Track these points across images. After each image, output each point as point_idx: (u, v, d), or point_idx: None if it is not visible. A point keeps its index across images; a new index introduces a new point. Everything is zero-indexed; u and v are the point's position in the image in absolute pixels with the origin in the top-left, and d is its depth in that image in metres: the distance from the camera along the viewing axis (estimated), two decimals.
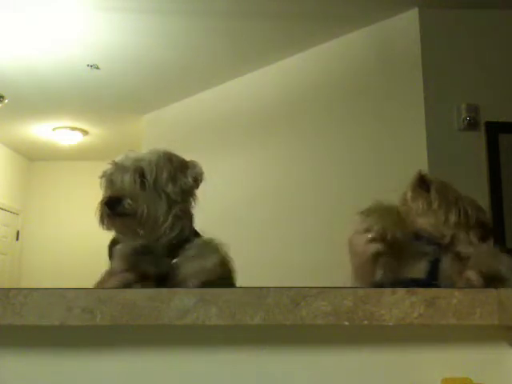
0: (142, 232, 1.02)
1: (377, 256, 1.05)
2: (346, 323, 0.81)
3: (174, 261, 1.02)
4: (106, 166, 1.14)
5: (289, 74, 3.66)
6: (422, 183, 1.18)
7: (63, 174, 6.02)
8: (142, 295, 0.81)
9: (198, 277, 0.97)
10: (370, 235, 1.06)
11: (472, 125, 2.84)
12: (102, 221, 1.05)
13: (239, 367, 0.85)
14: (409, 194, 1.18)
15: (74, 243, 5.73)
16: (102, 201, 1.03)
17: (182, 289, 0.83)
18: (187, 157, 1.17)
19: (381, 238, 1.04)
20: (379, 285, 1.03)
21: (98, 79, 3.95)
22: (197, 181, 1.10)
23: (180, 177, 1.08)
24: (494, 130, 2.84)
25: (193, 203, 1.12)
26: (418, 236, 1.11)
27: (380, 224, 1.06)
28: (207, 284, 0.96)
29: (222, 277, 1.03)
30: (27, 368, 0.83)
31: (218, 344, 0.85)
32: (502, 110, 2.84)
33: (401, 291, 0.83)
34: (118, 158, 1.08)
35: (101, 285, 1.03)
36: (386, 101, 3.07)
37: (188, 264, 1.01)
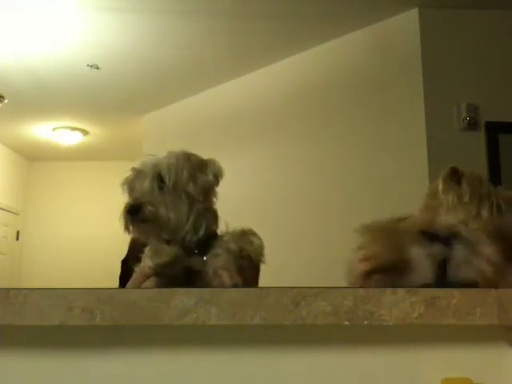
0: (165, 235, 1.03)
1: (367, 275, 1.02)
2: (346, 323, 0.81)
3: (205, 258, 1.04)
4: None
5: (289, 74, 3.66)
6: (454, 176, 1.14)
7: (63, 174, 6.03)
8: (142, 295, 0.81)
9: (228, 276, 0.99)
10: (361, 254, 1.04)
11: (472, 125, 2.84)
12: (127, 228, 1.07)
13: (239, 367, 0.85)
14: (439, 187, 1.14)
15: (74, 243, 5.73)
16: (124, 208, 1.05)
17: (182, 289, 0.83)
18: None
19: (374, 261, 1.02)
20: None
21: (98, 79, 3.96)
22: (217, 178, 1.13)
23: (200, 176, 1.10)
24: (494, 130, 2.84)
25: (214, 200, 1.13)
26: (424, 233, 1.07)
27: (372, 248, 1.04)
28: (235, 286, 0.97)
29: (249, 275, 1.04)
30: (27, 368, 0.83)
31: (218, 344, 0.85)
32: (502, 110, 2.84)
33: (401, 291, 0.83)
34: (137, 164, 1.10)
35: (133, 284, 1.06)
36: (386, 101, 3.07)
37: (217, 260, 1.02)
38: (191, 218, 1.05)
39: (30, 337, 0.84)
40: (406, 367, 0.85)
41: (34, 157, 6.07)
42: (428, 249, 1.03)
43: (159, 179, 1.06)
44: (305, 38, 3.40)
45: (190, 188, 1.07)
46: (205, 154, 1.20)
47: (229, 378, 0.84)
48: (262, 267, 1.11)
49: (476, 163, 2.80)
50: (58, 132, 5.15)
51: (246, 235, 1.07)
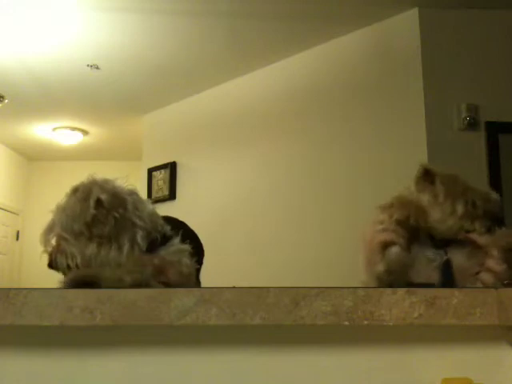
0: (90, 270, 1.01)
1: (384, 245, 1.02)
2: (346, 323, 0.81)
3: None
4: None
5: (289, 74, 3.66)
6: (427, 176, 1.15)
7: (63, 174, 6.01)
8: (142, 295, 0.81)
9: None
10: (381, 225, 1.04)
11: (472, 125, 2.84)
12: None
13: (239, 367, 0.85)
14: (413, 188, 1.15)
15: None
16: None
17: (182, 289, 0.83)
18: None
19: (403, 224, 1.01)
20: (386, 283, 1.01)
21: (98, 79, 3.95)
22: (99, 203, 1.02)
23: (82, 209, 1.03)
24: (494, 130, 2.84)
25: (132, 211, 1.04)
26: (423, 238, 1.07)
27: (402, 211, 1.03)
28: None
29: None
30: (27, 368, 0.83)
31: (218, 344, 0.85)
32: (502, 110, 2.84)
33: (401, 291, 0.83)
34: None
35: None
36: (386, 101, 3.07)
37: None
38: (93, 250, 1.00)
39: (30, 337, 0.84)
40: (406, 367, 0.85)
41: (34, 157, 6.07)
42: (431, 251, 1.04)
43: (52, 225, 1.06)
44: (305, 38, 3.40)
45: (76, 226, 1.02)
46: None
47: (229, 377, 0.84)
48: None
49: (476, 163, 2.80)
50: (58, 132, 5.15)
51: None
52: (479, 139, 2.85)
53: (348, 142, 3.25)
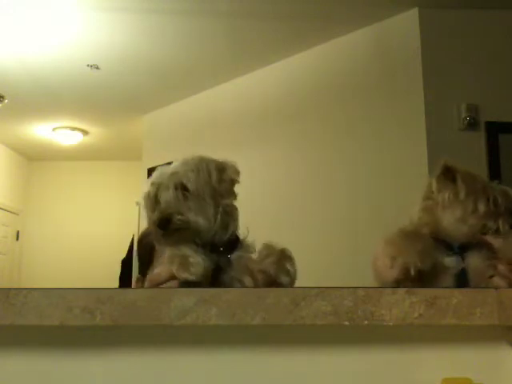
0: (197, 239, 1.04)
1: (398, 282, 1.01)
2: (346, 323, 0.81)
3: (229, 256, 1.05)
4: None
5: (289, 74, 3.66)
6: (448, 173, 1.14)
7: (63, 174, 6.03)
8: (142, 295, 0.81)
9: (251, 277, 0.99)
10: (391, 263, 1.03)
11: (472, 125, 2.84)
12: (158, 241, 1.08)
13: (239, 367, 0.85)
14: (434, 186, 1.13)
15: (74, 243, 5.73)
16: (153, 223, 1.04)
17: (182, 289, 0.83)
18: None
19: (403, 271, 1.00)
20: None
21: (98, 79, 3.96)
22: (233, 180, 1.10)
23: (220, 177, 1.09)
24: (494, 130, 2.84)
25: (233, 201, 1.12)
26: (437, 240, 1.05)
27: (404, 256, 1.02)
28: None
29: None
30: (27, 368, 0.83)
31: (218, 344, 0.85)
32: (502, 110, 2.84)
33: (401, 291, 0.83)
34: (154, 177, 1.10)
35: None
36: (386, 101, 3.07)
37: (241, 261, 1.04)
38: (218, 219, 1.05)
39: (30, 337, 0.84)
40: (406, 367, 0.85)
41: (34, 157, 6.06)
42: (448, 258, 1.03)
43: (181, 187, 1.07)
44: (305, 38, 3.40)
45: (213, 190, 1.07)
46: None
47: (229, 377, 0.84)
48: None
49: (476, 163, 2.80)
50: (58, 132, 5.15)
51: (283, 261, 1.06)
52: (479, 139, 2.85)
53: (348, 142, 3.25)
